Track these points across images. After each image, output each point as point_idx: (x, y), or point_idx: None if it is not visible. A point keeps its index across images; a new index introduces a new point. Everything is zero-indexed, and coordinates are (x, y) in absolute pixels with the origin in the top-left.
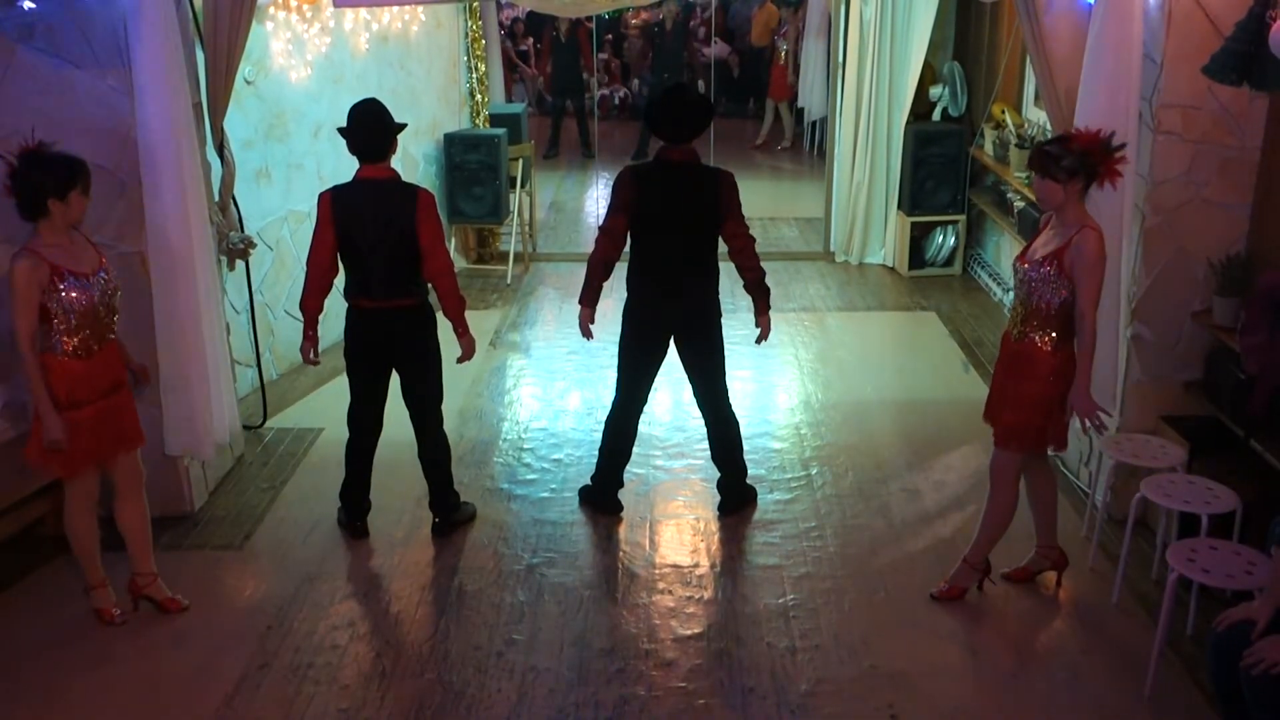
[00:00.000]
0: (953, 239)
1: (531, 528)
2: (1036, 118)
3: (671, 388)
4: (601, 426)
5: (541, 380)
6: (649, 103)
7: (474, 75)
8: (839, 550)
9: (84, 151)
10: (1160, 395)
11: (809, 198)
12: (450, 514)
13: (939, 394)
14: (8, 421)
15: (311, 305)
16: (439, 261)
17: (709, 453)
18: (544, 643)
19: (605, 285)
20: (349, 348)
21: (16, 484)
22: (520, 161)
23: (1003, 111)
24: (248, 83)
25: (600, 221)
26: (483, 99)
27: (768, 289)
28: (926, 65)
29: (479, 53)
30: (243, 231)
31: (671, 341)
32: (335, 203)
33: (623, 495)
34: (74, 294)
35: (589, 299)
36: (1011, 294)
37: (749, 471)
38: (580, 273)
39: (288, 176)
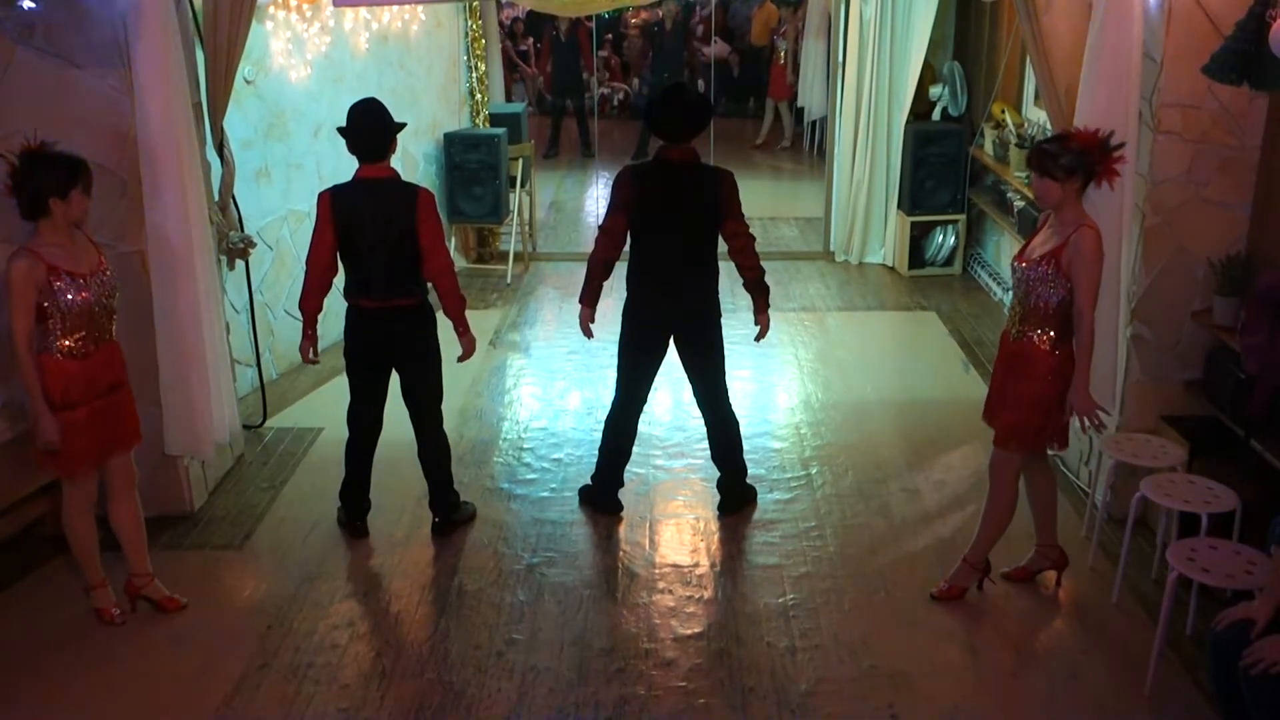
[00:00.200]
0: (953, 238)
1: (531, 527)
2: (1036, 117)
3: (671, 388)
4: (601, 426)
5: (541, 380)
6: (648, 102)
7: (474, 75)
8: (839, 550)
9: (84, 151)
10: (1160, 395)
11: (809, 197)
12: (450, 514)
13: (939, 394)
14: (7, 421)
15: (311, 305)
16: (439, 261)
17: (709, 452)
18: (544, 642)
19: (605, 285)
20: (349, 347)
21: (16, 484)
22: (520, 161)
23: (1003, 111)
24: (248, 82)
25: (600, 221)
26: (483, 99)
27: (767, 288)
28: (926, 65)
29: (479, 52)
30: (243, 231)
31: (671, 341)
32: (335, 202)
33: (623, 495)
34: (71, 294)
35: (589, 298)
36: (1011, 293)
37: (749, 471)
38: (580, 272)
39: (287, 176)
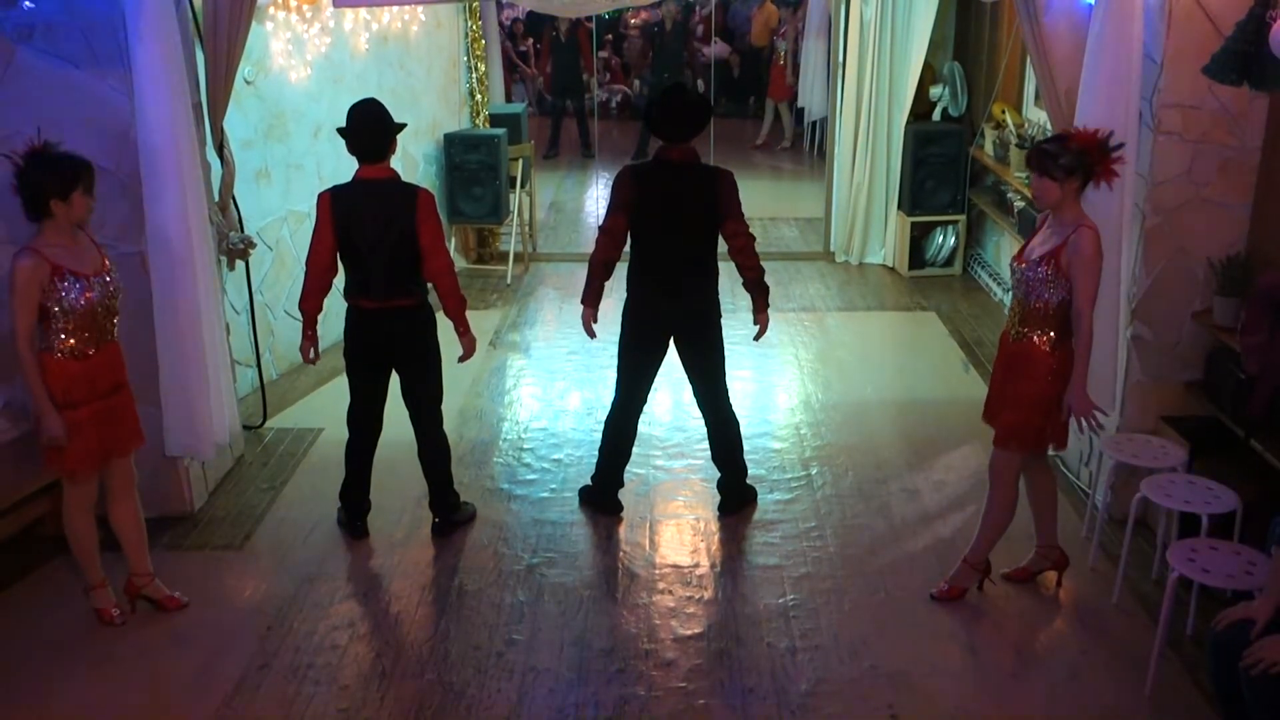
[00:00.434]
0: (953, 239)
1: (531, 528)
2: (1037, 118)
3: (671, 388)
4: (601, 426)
5: (541, 380)
6: (648, 103)
7: (474, 75)
8: (839, 550)
9: (84, 151)
10: (1160, 395)
11: (809, 198)
12: (450, 514)
13: (939, 394)
14: (8, 421)
15: (311, 305)
16: (439, 261)
17: (709, 453)
18: (544, 643)
19: (606, 285)
20: (349, 348)
21: (16, 484)
22: (520, 161)
23: (1003, 111)
24: (248, 83)
25: (600, 221)
26: (483, 99)
27: (767, 287)
28: (926, 65)
29: (479, 53)
30: (243, 231)
31: (671, 341)
32: (335, 203)
33: (623, 495)
34: (74, 294)
35: (591, 299)
36: (1010, 294)
37: (749, 471)
38: (580, 273)
39: (287, 176)
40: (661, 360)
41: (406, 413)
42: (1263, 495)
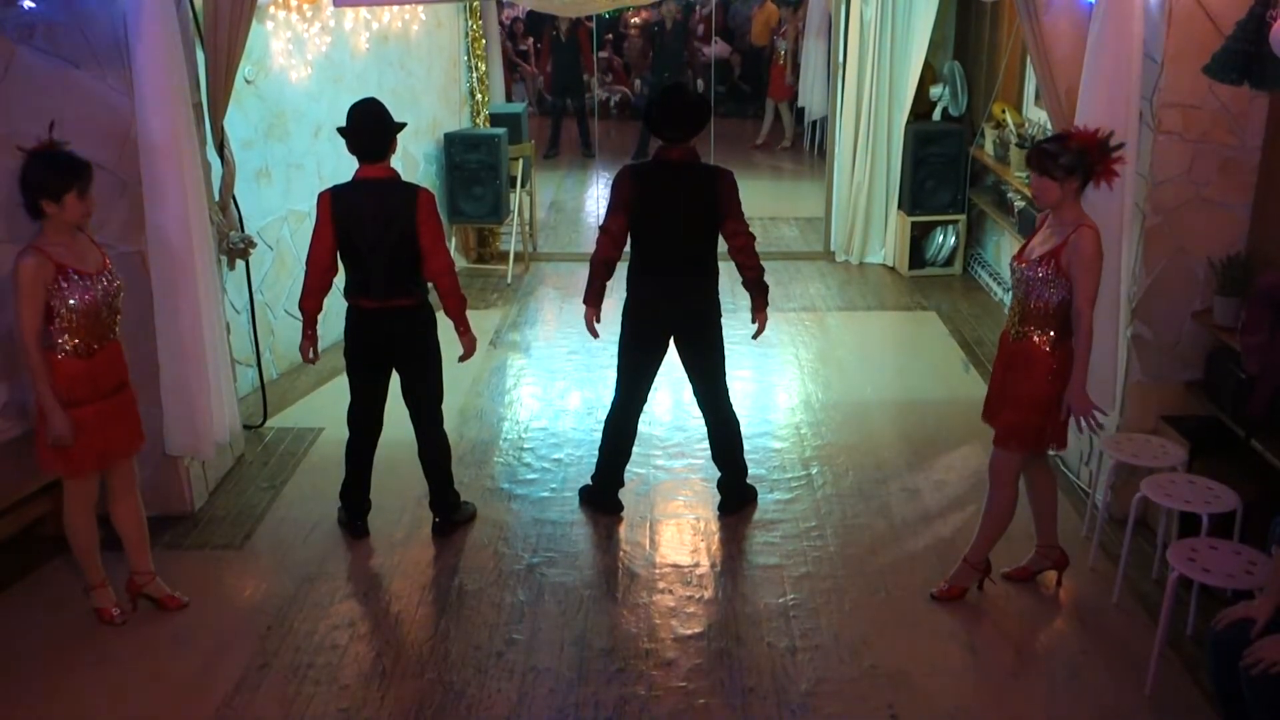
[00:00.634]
0: (953, 239)
1: (531, 527)
2: (1037, 117)
3: (671, 388)
4: (601, 426)
5: (541, 380)
6: (647, 102)
7: (474, 75)
8: (839, 550)
9: (84, 151)
10: (1160, 395)
11: (809, 198)
12: (450, 514)
13: (939, 394)
14: (9, 420)
15: (311, 305)
16: (440, 261)
17: (709, 452)
18: (544, 643)
19: (607, 284)
20: (349, 348)
21: (16, 484)
22: (520, 161)
23: (1003, 111)
24: (248, 82)
25: (600, 221)
26: (483, 99)
27: (766, 287)
28: (926, 65)
29: (479, 52)
30: (243, 231)
31: (671, 341)
32: (335, 202)
33: (623, 495)
34: (77, 294)
35: (593, 298)
36: (1010, 294)
37: (749, 471)
38: (580, 272)
39: (288, 176)
40: (661, 360)
41: (407, 412)
42: (1263, 495)
